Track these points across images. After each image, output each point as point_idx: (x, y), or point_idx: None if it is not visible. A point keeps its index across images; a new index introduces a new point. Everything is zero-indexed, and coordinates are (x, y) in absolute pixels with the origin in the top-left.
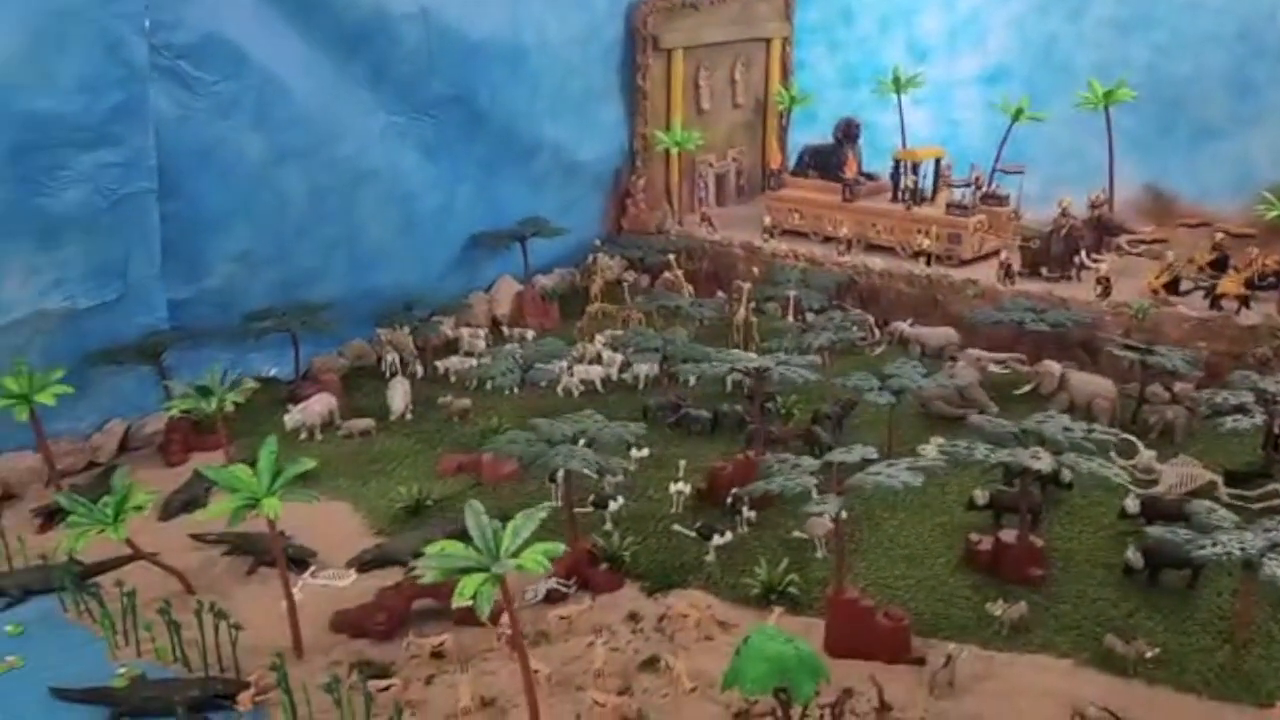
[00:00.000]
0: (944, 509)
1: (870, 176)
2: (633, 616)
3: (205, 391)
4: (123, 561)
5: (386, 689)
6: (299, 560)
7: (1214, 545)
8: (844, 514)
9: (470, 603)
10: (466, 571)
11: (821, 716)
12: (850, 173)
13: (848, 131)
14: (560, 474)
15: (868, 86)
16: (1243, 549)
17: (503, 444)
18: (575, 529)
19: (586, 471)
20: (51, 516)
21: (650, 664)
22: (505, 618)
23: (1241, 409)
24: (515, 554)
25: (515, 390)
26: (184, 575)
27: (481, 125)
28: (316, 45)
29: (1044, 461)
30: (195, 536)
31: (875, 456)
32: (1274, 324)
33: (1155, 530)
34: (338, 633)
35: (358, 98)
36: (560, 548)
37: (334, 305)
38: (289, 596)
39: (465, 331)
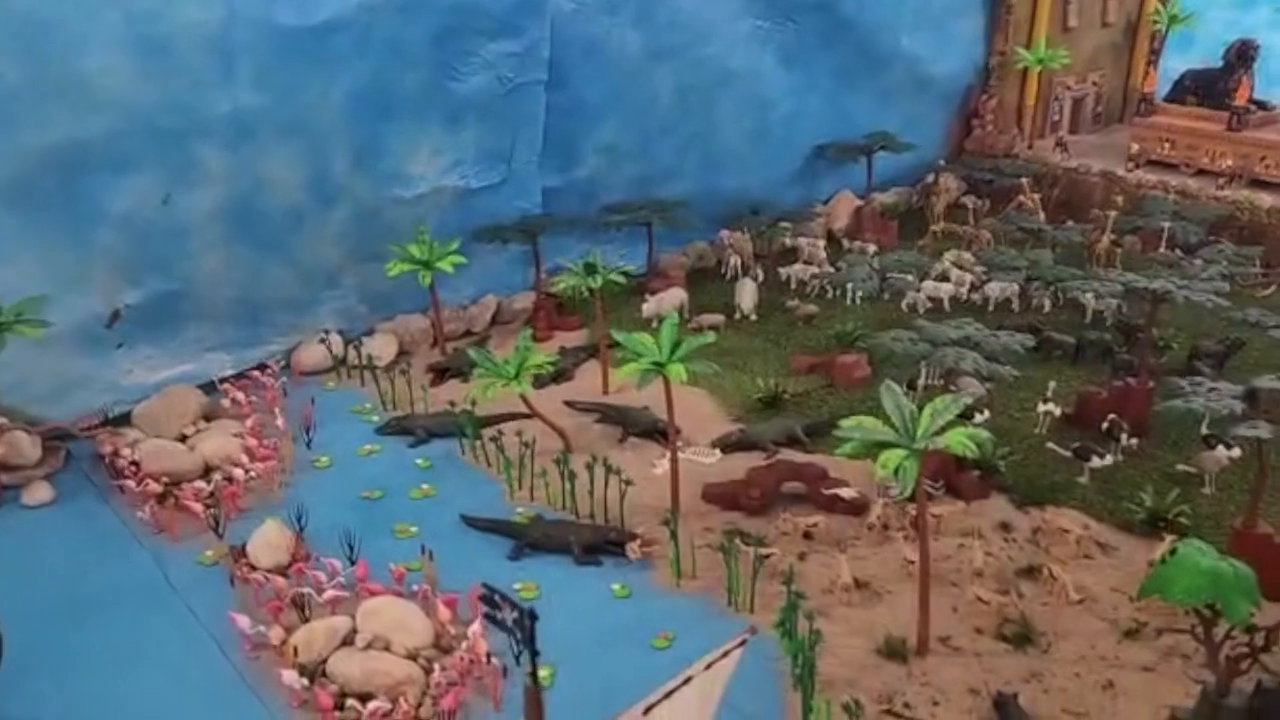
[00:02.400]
0: None
1: (1262, 105)
2: (1004, 526)
3: (590, 269)
4: (512, 416)
5: (768, 557)
6: (665, 435)
7: None
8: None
9: (842, 490)
10: (885, 446)
11: (1251, 640)
12: (1240, 99)
13: (1242, 53)
14: (921, 380)
15: (1266, 6)
16: None
17: (886, 341)
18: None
19: (977, 377)
20: (442, 373)
21: (1029, 572)
22: (874, 509)
23: None
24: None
25: (859, 299)
26: (565, 434)
27: (841, 34)
28: None
29: None
30: (569, 404)
31: None
32: None
33: None
34: (709, 503)
35: (728, 0)
36: (985, 434)
37: (687, 203)
38: (674, 462)
39: (804, 241)
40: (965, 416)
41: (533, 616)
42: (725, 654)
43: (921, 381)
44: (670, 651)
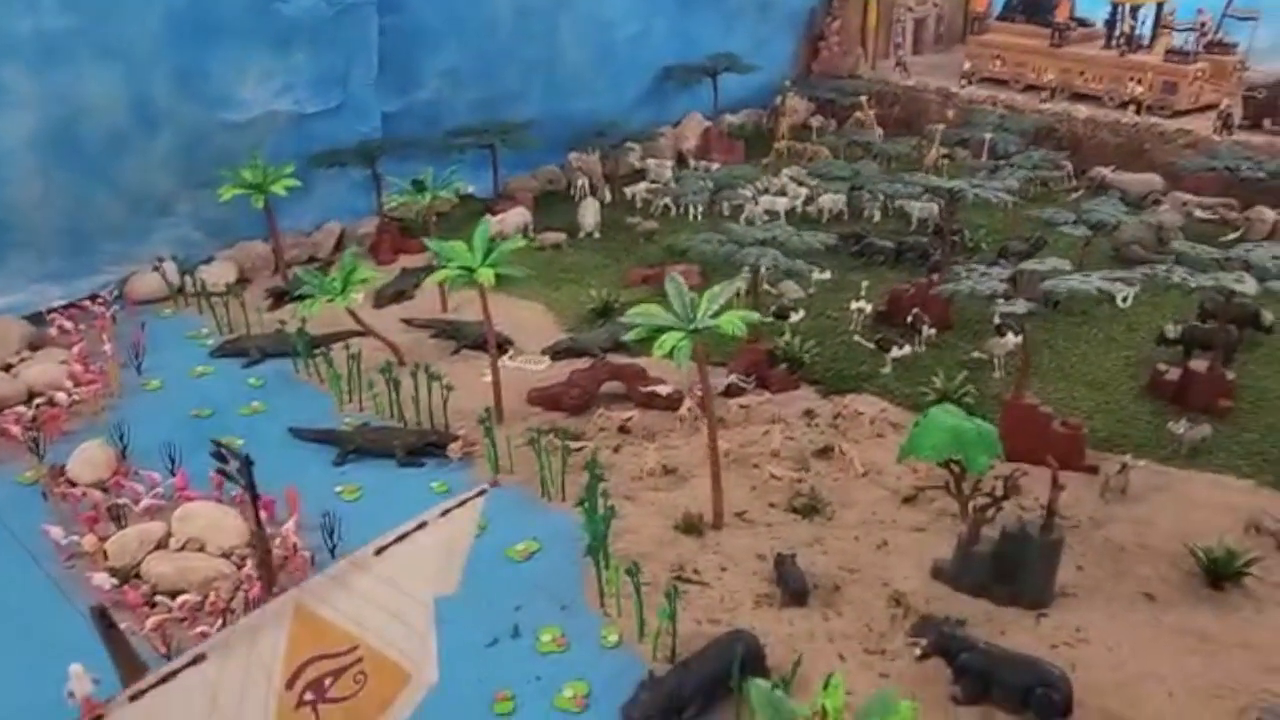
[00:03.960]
0: (1130, 345)
1: (1083, 22)
2: (809, 413)
3: (420, 187)
4: (345, 335)
5: (580, 449)
6: (498, 346)
7: None
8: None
9: (659, 387)
10: (665, 330)
11: (993, 490)
12: (1062, 16)
13: None
14: (742, 285)
15: None
16: None
17: (697, 243)
18: (758, 331)
19: (777, 273)
20: (280, 297)
21: (825, 452)
22: (685, 403)
23: None
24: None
25: (699, 215)
26: (398, 348)
27: None
28: None
29: (1248, 285)
30: (406, 321)
31: (1069, 268)
32: None
33: None
34: (533, 405)
35: None
36: (755, 315)
37: (533, 125)
38: (495, 368)
39: (652, 162)
40: (781, 316)
41: (249, 462)
42: (462, 503)
43: (743, 286)
44: (484, 538)
